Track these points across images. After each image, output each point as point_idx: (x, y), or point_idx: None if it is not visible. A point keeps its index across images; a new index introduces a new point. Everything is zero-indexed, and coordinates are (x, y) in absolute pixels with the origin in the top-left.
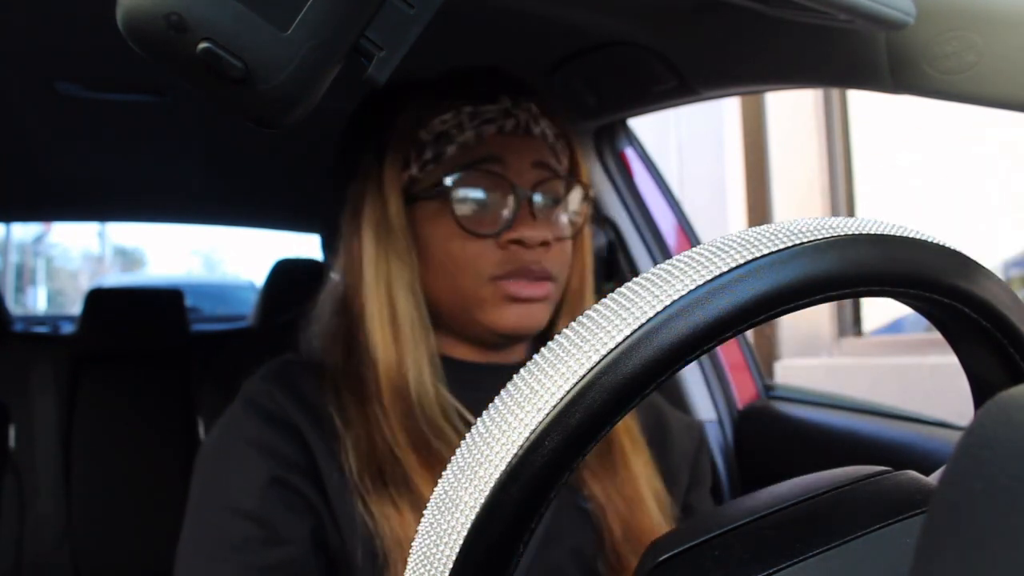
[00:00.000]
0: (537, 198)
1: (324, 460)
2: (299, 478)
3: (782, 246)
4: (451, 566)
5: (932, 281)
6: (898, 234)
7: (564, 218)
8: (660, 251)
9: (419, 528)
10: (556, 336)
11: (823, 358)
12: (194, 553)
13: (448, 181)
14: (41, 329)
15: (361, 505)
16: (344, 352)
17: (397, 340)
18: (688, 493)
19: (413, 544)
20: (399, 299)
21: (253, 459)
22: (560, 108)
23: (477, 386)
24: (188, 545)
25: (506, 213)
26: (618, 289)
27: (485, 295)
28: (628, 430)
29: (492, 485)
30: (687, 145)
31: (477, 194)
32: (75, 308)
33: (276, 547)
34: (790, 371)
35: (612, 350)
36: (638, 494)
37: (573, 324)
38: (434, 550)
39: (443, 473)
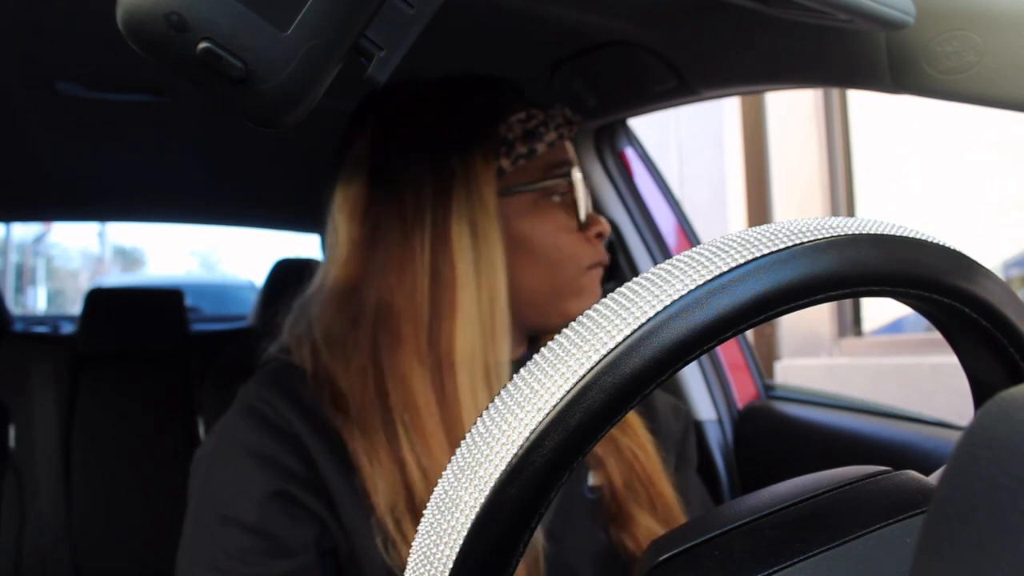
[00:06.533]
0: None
1: (331, 476)
2: (301, 489)
3: (782, 246)
4: (451, 566)
5: (932, 281)
6: (898, 234)
7: None
8: (660, 251)
9: (419, 528)
10: (556, 336)
11: (823, 358)
12: (193, 562)
13: (554, 177)
14: (41, 329)
15: (381, 542)
16: (364, 361)
17: (494, 337)
18: (676, 473)
19: (413, 544)
20: (499, 293)
21: (252, 469)
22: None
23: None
24: (188, 553)
25: (586, 209)
26: (618, 289)
27: (584, 283)
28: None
29: (492, 485)
30: (687, 145)
31: (579, 191)
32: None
33: (281, 558)
34: (790, 371)
35: (612, 350)
36: (633, 451)
37: (573, 324)
38: (434, 550)
39: (443, 473)
